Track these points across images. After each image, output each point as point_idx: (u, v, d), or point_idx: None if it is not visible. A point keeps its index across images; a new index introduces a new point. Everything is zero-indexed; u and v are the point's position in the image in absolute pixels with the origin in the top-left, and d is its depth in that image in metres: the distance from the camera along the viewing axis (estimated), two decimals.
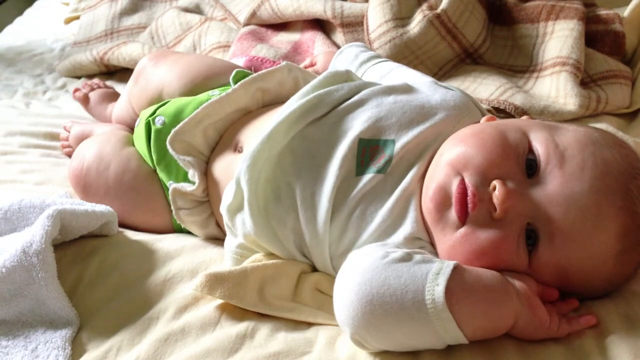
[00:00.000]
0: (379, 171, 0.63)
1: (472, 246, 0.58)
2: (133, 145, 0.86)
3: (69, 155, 0.97)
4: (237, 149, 0.75)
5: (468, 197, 0.58)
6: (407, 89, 0.71)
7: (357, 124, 0.66)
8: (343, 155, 0.64)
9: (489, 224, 0.58)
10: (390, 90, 0.70)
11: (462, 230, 0.59)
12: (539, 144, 0.60)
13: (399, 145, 0.64)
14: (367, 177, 0.63)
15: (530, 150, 0.60)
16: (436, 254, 0.62)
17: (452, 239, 0.59)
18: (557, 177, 0.58)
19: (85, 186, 0.83)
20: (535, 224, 0.58)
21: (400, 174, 0.63)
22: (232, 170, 0.71)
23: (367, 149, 0.65)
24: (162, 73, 0.90)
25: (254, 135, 0.73)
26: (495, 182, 0.58)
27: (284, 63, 0.82)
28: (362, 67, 0.88)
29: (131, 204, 0.80)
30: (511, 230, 0.58)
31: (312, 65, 0.98)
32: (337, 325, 0.59)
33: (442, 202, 0.60)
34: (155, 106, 0.85)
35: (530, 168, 0.59)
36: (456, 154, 0.61)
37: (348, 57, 0.91)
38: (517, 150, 0.60)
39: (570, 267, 0.59)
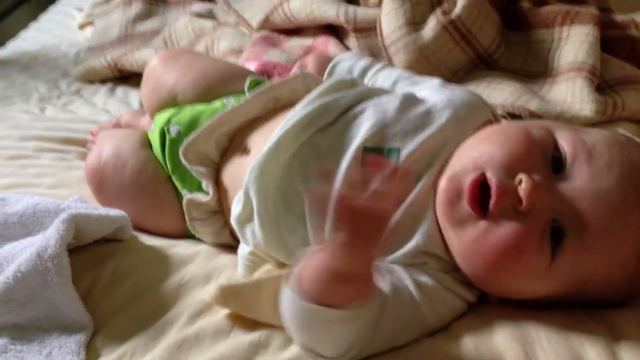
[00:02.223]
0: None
1: (494, 238, 0.57)
2: (151, 147, 0.85)
3: None
4: (244, 151, 0.75)
5: (492, 190, 0.57)
6: (412, 94, 0.70)
7: (361, 132, 0.65)
8: (348, 164, 0.63)
9: (513, 217, 0.56)
10: (395, 96, 0.69)
11: (484, 223, 0.57)
12: (565, 141, 0.59)
13: (404, 153, 0.63)
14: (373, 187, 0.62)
15: (556, 147, 0.60)
16: (440, 270, 0.61)
17: (473, 234, 0.58)
18: (585, 173, 0.57)
19: (101, 181, 0.82)
20: (562, 220, 0.57)
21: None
22: (240, 174, 0.71)
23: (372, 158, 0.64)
24: (173, 76, 0.89)
25: (261, 138, 0.72)
26: (521, 175, 0.57)
27: (298, 72, 0.81)
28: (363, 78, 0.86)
29: (145, 205, 0.80)
30: (536, 225, 0.56)
31: (302, 69, 0.93)
32: None
33: (455, 193, 0.59)
34: (169, 113, 0.84)
35: (557, 164, 0.59)
36: (479, 151, 0.60)
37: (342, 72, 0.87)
38: (542, 145, 0.59)
39: (593, 267, 0.57)
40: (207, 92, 0.86)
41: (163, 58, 0.93)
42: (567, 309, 0.61)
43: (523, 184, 0.56)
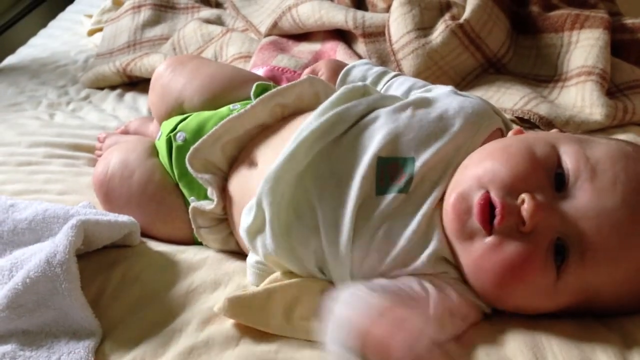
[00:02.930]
0: (400, 191, 0.62)
1: (499, 257, 0.57)
2: (158, 156, 0.85)
3: None
4: (252, 164, 0.74)
5: (496, 210, 0.57)
6: (424, 101, 0.69)
7: (375, 142, 0.64)
8: (362, 175, 0.62)
9: (516, 237, 0.57)
10: (407, 104, 0.68)
11: (490, 239, 0.57)
12: (569, 158, 0.59)
13: (419, 163, 0.63)
14: (389, 197, 0.62)
15: (559, 164, 0.59)
16: (460, 280, 0.61)
17: (479, 249, 0.58)
18: (588, 191, 0.57)
19: (108, 192, 0.82)
20: (565, 239, 0.57)
21: (424, 193, 0.62)
22: (247, 187, 0.70)
23: (386, 168, 0.63)
24: (180, 83, 0.88)
25: (270, 150, 0.72)
26: (524, 196, 0.57)
27: (305, 77, 0.80)
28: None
29: (153, 214, 0.80)
30: (540, 244, 0.56)
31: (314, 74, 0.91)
32: None
33: (464, 211, 0.59)
34: (176, 120, 0.84)
35: (560, 182, 0.58)
36: (483, 168, 0.60)
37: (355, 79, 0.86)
38: (546, 163, 0.59)
39: (601, 284, 0.57)
40: (214, 99, 0.85)
41: (170, 64, 0.92)
42: (579, 316, 0.61)
43: (526, 204, 0.56)
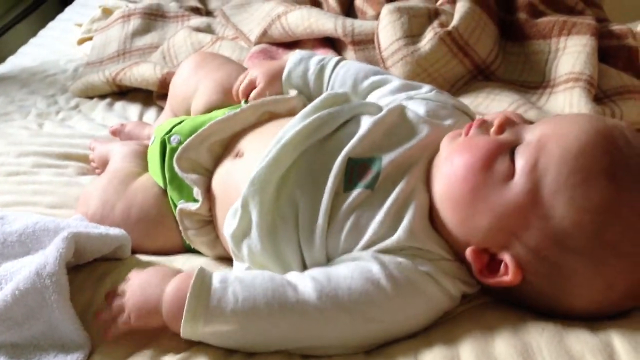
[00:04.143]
0: (366, 187, 0.65)
1: (468, 145, 0.65)
2: (138, 175, 0.87)
3: (100, 174, 0.97)
4: (237, 155, 0.77)
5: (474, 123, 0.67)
6: (400, 109, 0.73)
7: (349, 144, 0.68)
8: (334, 175, 0.66)
9: (487, 136, 0.65)
10: (382, 110, 0.72)
11: (465, 136, 0.66)
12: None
13: (385, 161, 0.67)
14: (355, 192, 0.65)
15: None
16: (440, 259, 0.64)
17: (455, 146, 0.66)
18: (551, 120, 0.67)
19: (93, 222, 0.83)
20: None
21: (388, 188, 0.65)
22: (231, 180, 0.73)
23: (356, 167, 0.67)
24: (194, 84, 0.94)
25: (255, 142, 0.76)
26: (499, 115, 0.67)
27: (296, 93, 0.84)
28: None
29: (142, 233, 0.80)
30: (504, 142, 0.63)
31: (252, 86, 0.89)
32: None
33: (456, 134, 0.68)
34: (171, 123, 0.85)
35: None
36: None
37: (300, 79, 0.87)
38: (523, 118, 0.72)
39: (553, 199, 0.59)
40: (216, 108, 0.88)
41: (192, 62, 0.98)
42: (568, 320, 0.61)
43: (497, 117, 0.66)
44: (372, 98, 0.82)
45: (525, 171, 0.60)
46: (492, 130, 0.65)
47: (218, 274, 0.62)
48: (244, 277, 0.62)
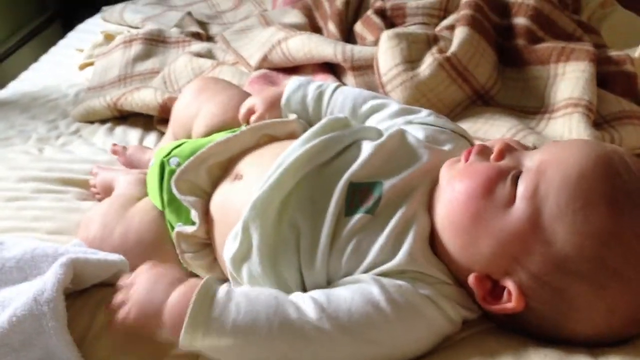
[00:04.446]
0: (367, 212, 0.66)
1: (469, 172, 0.65)
2: (139, 200, 0.87)
3: (100, 200, 0.98)
4: (236, 177, 0.77)
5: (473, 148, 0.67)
6: (400, 134, 0.73)
7: (350, 169, 0.68)
8: (336, 200, 0.66)
9: (487, 162, 0.65)
10: (384, 136, 0.72)
11: (465, 162, 0.66)
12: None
13: (387, 185, 0.67)
14: (356, 217, 0.65)
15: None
16: (441, 282, 0.64)
17: (455, 172, 0.66)
18: (551, 145, 0.67)
19: (92, 247, 0.82)
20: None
21: (390, 212, 0.65)
22: (229, 203, 0.74)
23: (357, 192, 0.67)
24: (195, 108, 0.94)
25: (254, 164, 0.76)
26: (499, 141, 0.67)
27: (296, 117, 0.85)
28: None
29: (139, 257, 0.79)
30: (504, 169, 0.63)
31: (251, 112, 0.89)
32: None
33: (455, 161, 0.68)
34: (171, 146, 0.86)
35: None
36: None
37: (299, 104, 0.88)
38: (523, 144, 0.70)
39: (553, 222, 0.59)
40: (216, 132, 0.89)
41: (194, 88, 0.99)
42: (570, 346, 0.61)
43: (497, 143, 0.67)
44: (371, 122, 0.83)
45: (526, 197, 0.60)
46: (492, 156, 0.65)
47: (225, 286, 0.62)
48: (249, 292, 0.62)
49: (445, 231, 0.65)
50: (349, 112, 0.84)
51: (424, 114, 0.81)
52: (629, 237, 0.58)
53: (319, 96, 0.86)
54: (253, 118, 0.87)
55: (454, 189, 0.65)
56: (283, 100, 0.87)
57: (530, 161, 0.63)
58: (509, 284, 0.61)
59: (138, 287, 0.63)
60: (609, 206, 0.58)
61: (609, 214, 0.58)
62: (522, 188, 0.61)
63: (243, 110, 0.89)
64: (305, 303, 0.61)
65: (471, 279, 0.62)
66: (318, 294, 0.62)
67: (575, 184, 0.59)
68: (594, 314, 0.60)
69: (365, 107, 0.84)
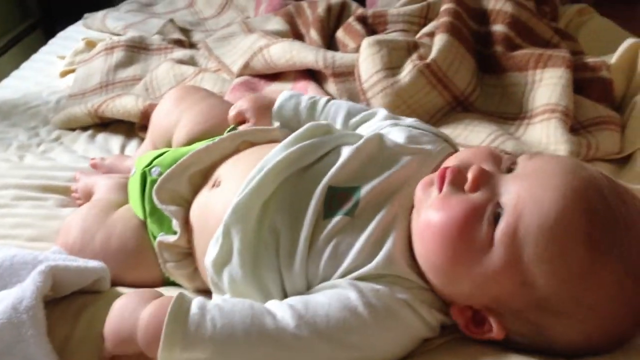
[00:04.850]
0: (346, 214, 0.66)
1: (444, 206, 0.62)
2: (119, 205, 0.87)
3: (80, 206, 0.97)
4: (215, 184, 0.77)
5: (447, 171, 0.65)
6: (378, 137, 0.74)
7: (329, 173, 0.69)
8: (315, 203, 0.67)
9: (461, 195, 0.63)
10: (362, 140, 0.73)
11: (439, 194, 0.64)
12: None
13: (365, 189, 0.67)
14: (335, 220, 0.66)
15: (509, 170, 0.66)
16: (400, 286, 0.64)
17: (428, 203, 0.64)
18: (529, 167, 0.64)
19: (72, 254, 0.81)
20: (504, 207, 0.61)
21: (368, 216, 0.66)
22: (208, 210, 0.74)
23: (336, 196, 0.67)
24: (175, 117, 0.94)
25: (232, 170, 0.76)
26: (473, 165, 0.64)
27: (277, 125, 0.85)
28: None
29: (121, 265, 0.80)
30: (480, 204, 0.61)
31: (239, 116, 0.90)
32: None
33: (428, 183, 0.66)
34: (152, 155, 0.86)
35: (509, 171, 0.65)
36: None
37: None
38: (498, 156, 0.67)
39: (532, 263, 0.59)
40: (197, 140, 0.89)
41: (174, 96, 0.99)
42: (550, 356, 0.62)
43: (471, 168, 0.64)
44: (361, 130, 0.84)
45: (504, 242, 0.60)
46: (467, 187, 0.63)
47: (197, 300, 0.62)
48: (223, 304, 0.62)
49: (424, 265, 0.64)
50: (342, 121, 0.85)
51: (410, 120, 0.83)
52: (606, 275, 0.58)
53: (312, 105, 0.87)
54: (243, 128, 0.87)
55: (429, 223, 0.63)
56: (275, 107, 0.87)
57: (507, 194, 0.62)
58: (490, 318, 0.62)
59: (110, 317, 0.64)
60: (586, 249, 0.58)
61: (586, 256, 0.58)
62: (499, 233, 0.60)
63: (233, 112, 0.89)
64: (283, 311, 0.61)
65: (452, 312, 0.64)
66: (295, 300, 0.63)
67: (552, 229, 0.58)
68: (572, 341, 0.61)
69: (357, 117, 0.85)
